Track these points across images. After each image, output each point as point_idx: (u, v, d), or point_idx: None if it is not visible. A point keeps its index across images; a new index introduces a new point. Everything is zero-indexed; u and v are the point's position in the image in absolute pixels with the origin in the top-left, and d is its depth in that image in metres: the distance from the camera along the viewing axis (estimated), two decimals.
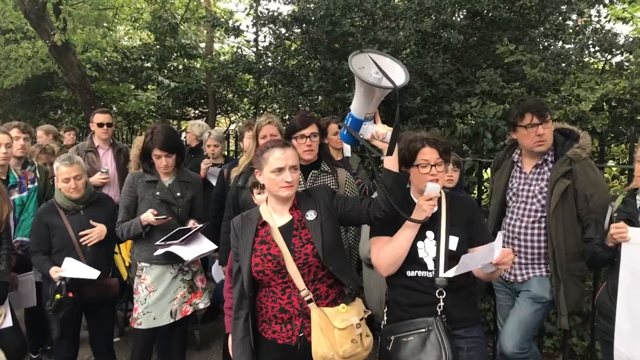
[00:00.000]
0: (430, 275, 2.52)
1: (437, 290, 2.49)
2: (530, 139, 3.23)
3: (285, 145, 2.50)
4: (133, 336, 3.73)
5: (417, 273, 2.55)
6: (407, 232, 2.54)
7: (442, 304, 2.48)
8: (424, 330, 2.44)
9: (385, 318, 2.69)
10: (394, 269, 2.58)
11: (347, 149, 4.55)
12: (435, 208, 2.53)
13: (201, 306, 3.81)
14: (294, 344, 2.45)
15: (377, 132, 2.34)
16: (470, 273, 2.52)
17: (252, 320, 2.51)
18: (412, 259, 2.55)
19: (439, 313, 2.47)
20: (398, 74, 2.27)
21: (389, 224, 2.57)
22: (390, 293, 2.69)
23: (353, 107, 2.38)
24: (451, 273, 2.42)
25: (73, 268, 3.49)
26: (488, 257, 2.33)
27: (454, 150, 3.19)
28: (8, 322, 3.52)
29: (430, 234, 2.57)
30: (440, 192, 2.63)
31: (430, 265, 2.54)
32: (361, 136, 2.38)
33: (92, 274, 3.50)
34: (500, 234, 2.40)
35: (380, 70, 2.23)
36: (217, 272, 4.52)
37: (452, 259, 2.48)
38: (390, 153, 2.32)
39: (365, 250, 3.35)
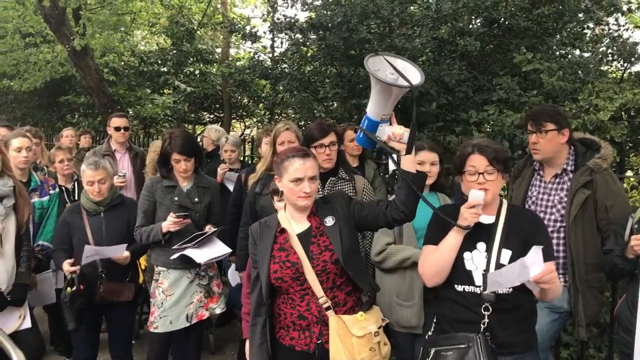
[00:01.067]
0: (478, 291, 2.41)
1: (483, 307, 2.37)
2: (530, 145, 3.28)
3: (305, 155, 2.50)
4: (149, 340, 3.74)
5: (464, 288, 2.45)
6: (451, 240, 2.44)
7: (486, 320, 2.36)
8: (464, 346, 2.34)
9: (432, 330, 2.61)
10: (439, 280, 2.49)
11: None
12: (492, 218, 2.46)
13: (217, 311, 3.82)
14: (312, 352, 2.45)
15: (394, 133, 2.33)
16: (528, 294, 2.34)
17: (269, 326, 2.52)
18: (460, 271, 2.45)
19: (481, 330, 2.36)
20: (413, 75, 2.28)
21: (440, 233, 2.51)
22: (440, 306, 2.61)
23: (369, 109, 2.38)
24: (486, 291, 2.32)
25: (95, 251, 3.54)
26: (522, 274, 2.15)
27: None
28: (27, 324, 3.55)
29: (481, 246, 2.46)
30: (501, 202, 2.55)
31: (478, 280, 2.42)
32: (378, 138, 2.37)
33: (117, 250, 3.57)
34: (535, 249, 2.15)
35: (396, 70, 2.24)
36: (233, 276, 4.52)
37: None
38: (408, 152, 2.32)
39: (374, 251, 3.34)
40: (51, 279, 3.86)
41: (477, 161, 2.47)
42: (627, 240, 2.73)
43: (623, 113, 4.86)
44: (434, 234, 2.56)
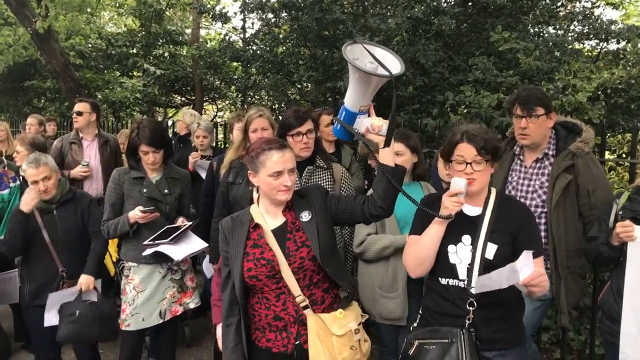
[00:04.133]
0: (462, 285, 2.35)
1: (468, 302, 2.31)
2: (516, 130, 3.18)
3: (282, 146, 2.36)
4: (121, 337, 3.61)
5: (448, 281, 2.40)
6: (432, 230, 2.36)
7: (471, 316, 2.30)
8: (447, 340, 2.28)
9: (417, 321, 2.55)
10: (422, 271, 2.43)
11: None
12: (479, 210, 2.38)
13: (191, 306, 3.71)
14: (290, 353, 2.34)
15: (373, 124, 2.23)
16: (514, 290, 2.24)
17: (244, 327, 2.39)
18: (445, 265, 2.38)
19: (466, 326, 2.29)
20: (392, 64, 2.18)
21: (423, 224, 2.42)
22: (425, 298, 2.55)
23: (347, 99, 2.28)
24: (474, 290, 2.25)
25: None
26: (511, 277, 2.07)
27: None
28: None
29: (466, 239, 2.37)
30: (490, 192, 2.46)
31: (462, 274, 2.36)
32: (356, 130, 2.27)
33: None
34: (525, 253, 2.07)
35: (375, 59, 2.14)
36: (208, 267, 4.41)
37: (488, 268, 2.24)
38: (387, 145, 2.22)
39: (356, 242, 3.26)
40: (15, 279, 3.69)
41: (465, 150, 2.36)
42: (612, 227, 2.67)
43: (600, 93, 4.81)
44: (419, 224, 2.48)
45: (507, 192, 3.32)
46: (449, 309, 2.39)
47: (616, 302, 2.67)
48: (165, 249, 3.35)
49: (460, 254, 2.38)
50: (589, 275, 3.57)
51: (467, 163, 2.35)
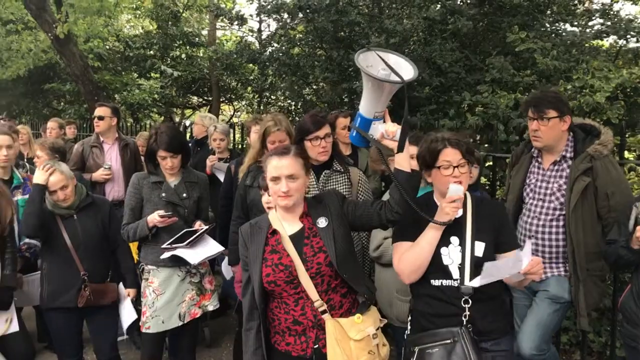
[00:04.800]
0: (456, 285, 2.41)
1: (463, 300, 2.38)
2: (529, 132, 3.18)
3: (283, 153, 2.41)
4: (142, 340, 3.66)
5: (441, 282, 2.44)
6: (429, 236, 2.41)
7: (467, 313, 2.37)
8: (449, 341, 2.33)
9: (409, 327, 2.59)
10: (417, 276, 2.46)
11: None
12: (460, 212, 2.42)
13: (210, 308, 3.73)
14: (309, 357, 2.36)
15: (387, 130, 2.26)
16: (500, 282, 2.38)
17: (264, 331, 2.43)
18: (437, 266, 2.43)
19: (464, 323, 2.36)
20: (406, 70, 2.20)
21: (411, 228, 2.47)
22: (415, 302, 2.58)
23: (361, 106, 2.31)
24: (476, 283, 2.29)
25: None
26: (515, 266, 2.21)
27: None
28: (14, 327, 3.45)
29: (454, 240, 2.45)
30: (466, 195, 2.52)
31: (455, 274, 2.42)
32: (371, 136, 2.30)
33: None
34: (529, 242, 2.28)
35: (388, 66, 2.16)
36: (227, 268, 4.45)
37: (479, 266, 2.35)
38: (400, 150, 2.24)
39: (372, 246, 3.27)
40: (38, 281, 3.74)
41: (451, 155, 2.45)
42: (632, 231, 2.66)
43: (619, 92, 4.77)
44: (408, 230, 2.50)
45: (525, 194, 3.31)
46: (443, 310, 2.43)
47: (637, 305, 2.66)
48: (182, 252, 3.38)
49: (452, 255, 2.44)
50: (608, 277, 3.55)
51: (454, 167, 2.44)
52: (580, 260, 3.06)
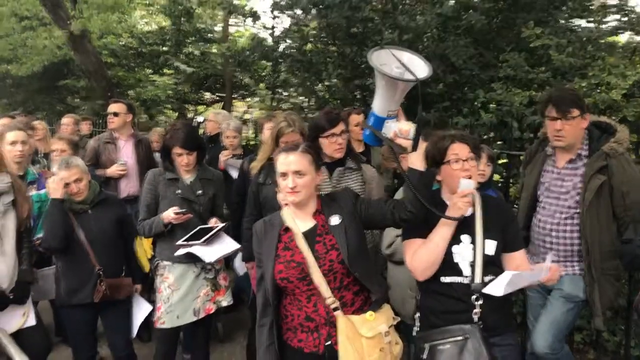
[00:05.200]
0: (466, 282, 2.43)
1: (474, 297, 2.39)
2: (550, 132, 3.13)
3: (291, 149, 2.43)
4: (157, 335, 3.70)
5: (452, 279, 2.46)
6: (443, 231, 2.43)
7: (478, 310, 2.38)
8: (460, 338, 2.35)
9: (418, 324, 2.60)
10: (431, 273, 2.47)
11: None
12: (470, 210, 2.43)
13: (224, 304, 3.75)
14: (321, 353, 2.38)
15: (401, 129, 2.27)
16: None
17: (277, 328, 2.45)
18: (447, 264, 2.45)
19: (475, 320, 2.38)
20: (420, 68, 2.20)
21: (421, 226, 2.47)
22: (423, 299, 2.59)
23: (375, 105, 2.32)
24: (500, 293, 2.28)
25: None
26: (537, 276, 2.28)
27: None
28: (31, 321, 3.49)
29: (465, 238, 2.46)
30: (474, 194, 2.53)
31: (466, 271, 2.44)
32: (384, 135, 2.30)
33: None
34: (550, 255, 2.35)
35: (402, 64, 2.16)
36: (241, 264, 4.47)
37: (489, 264, 2.39)
38: (414, 149, 2.24)
39: (384, 244, 3.27)
40: (52, 276, 3.78)
41: (459, 149, 2.48)
42: None
43: (636, 90, 4.72)
44: (418, 227, 2.50)
45: (539, 192, 3.29)
46: (453, 306, 2.44)
47: None
48: (198, 250, 3.40)
49: (463, 253, 2.45)
50: (623, 276, 3.52)
51: (463, 161, 2.46)
52: (595, 259, 3.05)
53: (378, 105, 2.27)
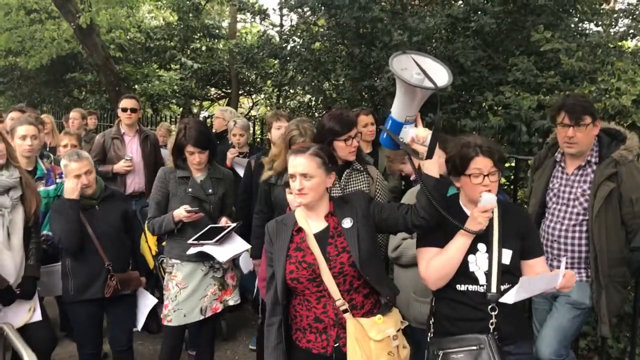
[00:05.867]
0: (482, 290, 2.40)
1: (490, 306, 2.37)
2: (561, 138, 3.12)
3: (299, 151, 2.45)
4: (163, 332, 3.71)
5: (467, 287, 2.43)
6: (459, 243, 2.40)
7: (494, 320, 2.36)
8: (475, 347, 2.33)
9: (432, 330, 2.58)
10: (443, 283, 2.45)
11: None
12: (487, 221, 2.40)
13: (231, 303, 3.76)
14: (329, 355, 2.39)
15: (418, 135, 2.26)
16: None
17: (285, 328, 2.46)
18: (463, 272, 2.42)
19: (491, 330, 2.36)
20: (440, 75, 2.20)
21: (436, 234, 2.45)
22: (438, 305, 2.56)
23: (394, 109, 2.32)
24: (511, 299, 2.28)
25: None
26: (552, 282, 2.26)
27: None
28: (37, 316, 3.51)
29: (482, 247, 2.43)
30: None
31: (482, 280, 2.41)
32: (401, 140, 2.30)
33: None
34: (564, 260, 2.38)
35: (422, 70, 2.16)
36: (245, 262, 4.48)
37: (506, 273, 2.37)
38: (429, 157, 2.24)
39: (391, 247, 3.27)
40: (59, 272, 3.79)
41: (482, 163, 2.40)
42: None
43: None
44: (434, 235, 2.48)
45: (548, 199, 3.29)
46: (468, 314, 2.42)
47: None
48: (211, 250, 3.41)
49: (479, 262, 2.43)
50: (629, 283, 3.52)
51: (485, 175, 2.40)
52: (602, 266, 3.04)
53: (396, 110, 2.27)
